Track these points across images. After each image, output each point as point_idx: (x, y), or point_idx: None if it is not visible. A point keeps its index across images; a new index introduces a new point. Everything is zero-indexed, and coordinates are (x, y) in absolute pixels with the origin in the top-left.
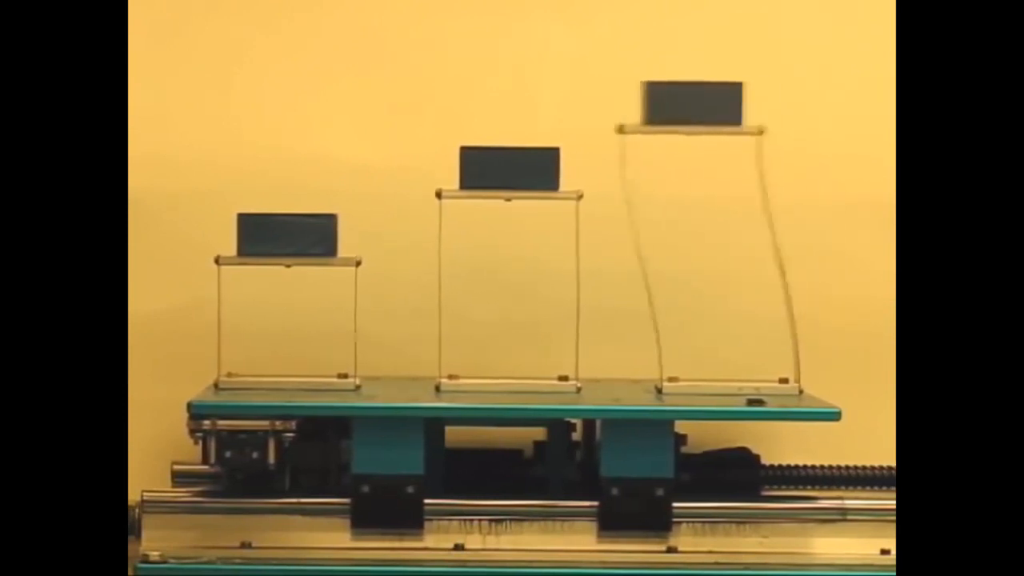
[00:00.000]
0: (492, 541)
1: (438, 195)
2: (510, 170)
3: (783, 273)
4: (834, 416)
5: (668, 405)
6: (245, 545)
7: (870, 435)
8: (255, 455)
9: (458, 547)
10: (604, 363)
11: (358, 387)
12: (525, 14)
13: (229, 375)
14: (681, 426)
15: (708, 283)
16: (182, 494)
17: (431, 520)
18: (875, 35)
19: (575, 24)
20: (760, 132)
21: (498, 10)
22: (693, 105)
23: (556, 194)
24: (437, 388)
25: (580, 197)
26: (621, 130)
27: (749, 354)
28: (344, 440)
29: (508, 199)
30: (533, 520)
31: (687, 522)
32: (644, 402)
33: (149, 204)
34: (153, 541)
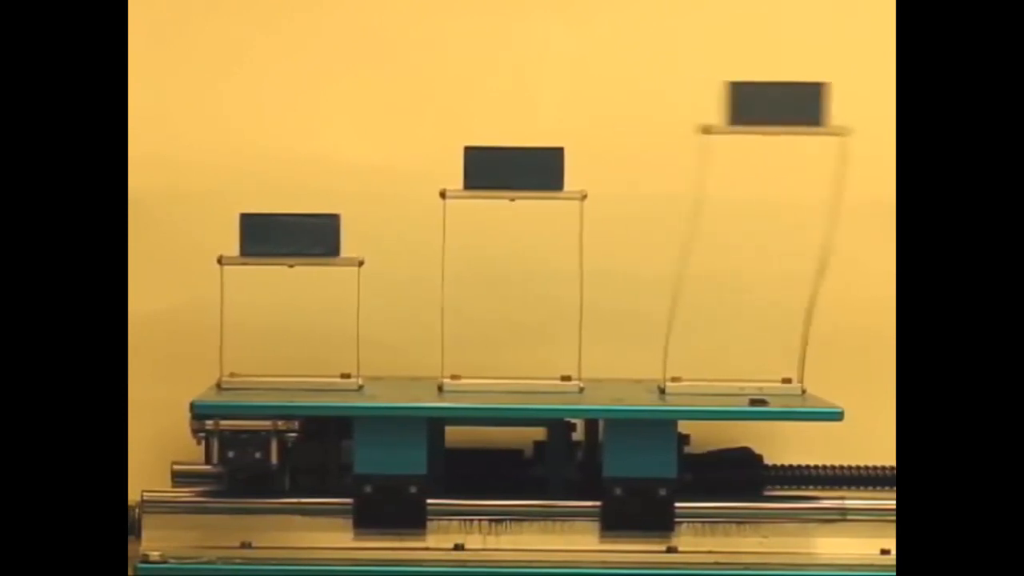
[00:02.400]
0: (492, 541)
1: (442, 195)
2: (514, 170)
3: (821, 276)
4: (836, 416)
5: (671, 405)
6: (245, 545)
7: (871, 435)
8: (258, 455)
9: (458, 547)
10: (606, 363)
11: (361, 387)
12: (526, 14)
13: (231, 375)
14: (684, 426)
15: (710, 283)
16: (182, 494)
17: (431, 520)
18: (875, 34)
19: (576, 24)
20: (842, 133)
21: (499, 10)
22: (776, 105)
23: (560, 194)
24: (440, 388)
25: (584, 198)
26: (707, 131)
27: (751, 354)
28: (345, 440)
29: (512, 199)
30: (533, 520)
31: (688, 522)
32: (647, 402)
33: (149, 204)
34: (153, 541)
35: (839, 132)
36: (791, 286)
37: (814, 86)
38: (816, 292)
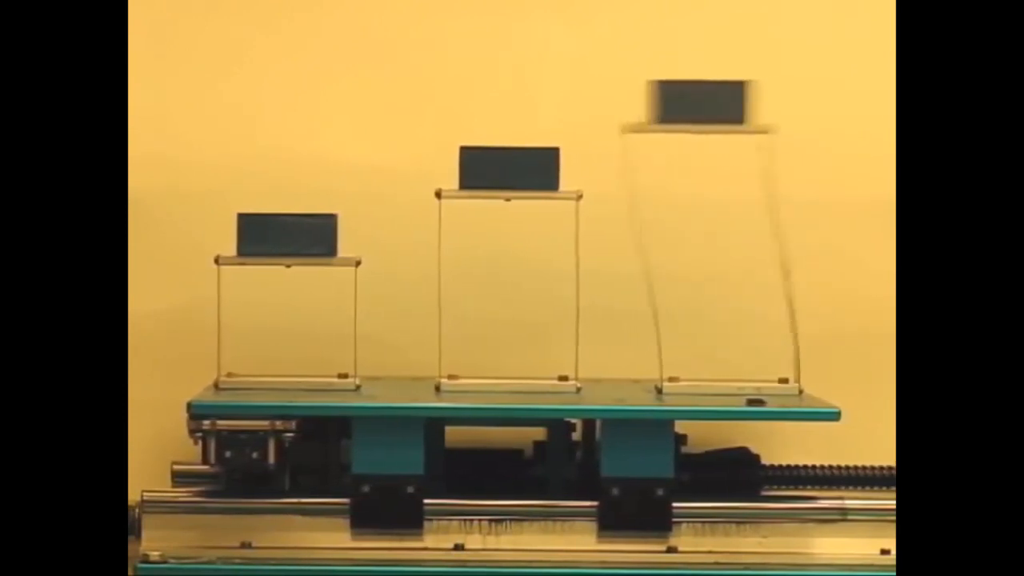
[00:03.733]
0: (492, 541)
1: (437, 195)
2: (510, 170)
3: (787, 273)
4: (834, 416)
5: (668, 405)
6: (245, 545)
7: (870, 435)
8: (255, 455)
9: (458, 547)
10: (604, 363)
11: (358, 387)
12: (525, 14)
13: (229, 375)
14: (681, 426)
15: (708, 283)
16: (182, 494)
17: (431, 520)
18: (875, 34)
19: (575, 24)
20: (766, 131)
21: (498, 10)
22: (700, 104)
23: (555, 194)
24: (437, 388)
25: (579, 197)
26: (627, 129)
27: (749, 354)
28: (343, 440)
29: (508, 199)
30: (533, 520)
31: (687, 522)
32: (644, 402)
33: (149, 204)
34: (153, 541)
35: (761, 130)
36: (791, 285)
37: (737, 84)
38: (790, 291)
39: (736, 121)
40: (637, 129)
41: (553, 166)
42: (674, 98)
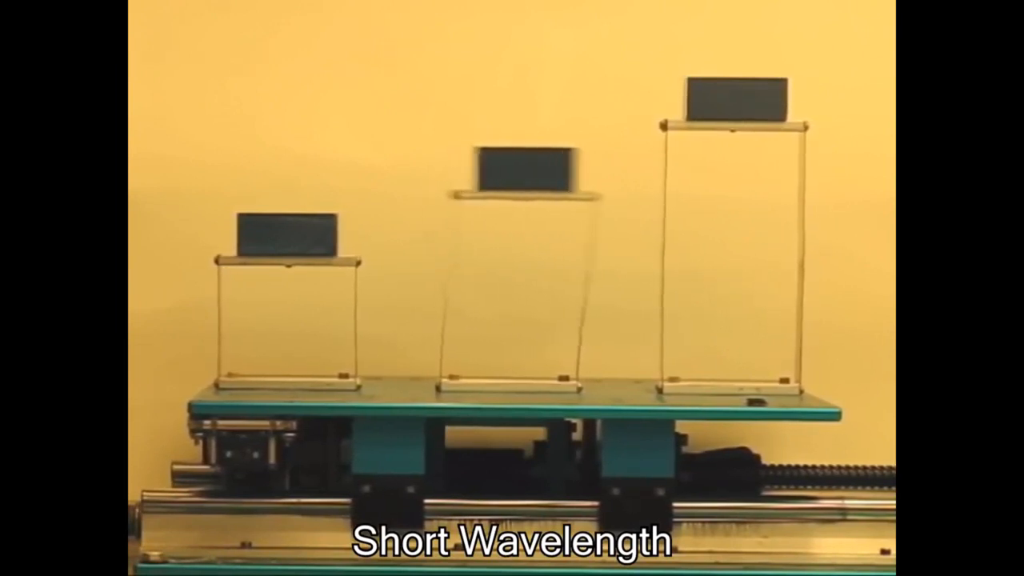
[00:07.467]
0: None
1: (455, 196)
2: (525, 171)
3: (802, 273)
4: (834, 416)
5: (669, 405)
6: (245, 545)
7: (870, 435)
8: (256, 455)
9: (458, 547)
10: (605, 363)
11: (359, 387)
12: (531, 13)
13: (230, 375)
14: (682, 426)
15: (708, 283)
16: (182, 494)
17: (430, 520)
18: (875, 33)
19: (580, 23)
20: (805, 128)
21: (503, 9)
22: (736, 101)
23: (571, 195)
24: (438, 388)
25: (597, 199)
26: (664, 126)
27: (749, 354)
28: (344, 440)
29: (527, 200)
30: (533, 520)
31: (687, 522)
32: (645, 402)
33: (149, 204)
34: (153, 541)
35: (799, 128)
36: (791, 285)
37: (775, 82)
38: (801, 291)
39: (773, 118)
40: (675, 126)
41: (568, 167)
42: (710, 95)
